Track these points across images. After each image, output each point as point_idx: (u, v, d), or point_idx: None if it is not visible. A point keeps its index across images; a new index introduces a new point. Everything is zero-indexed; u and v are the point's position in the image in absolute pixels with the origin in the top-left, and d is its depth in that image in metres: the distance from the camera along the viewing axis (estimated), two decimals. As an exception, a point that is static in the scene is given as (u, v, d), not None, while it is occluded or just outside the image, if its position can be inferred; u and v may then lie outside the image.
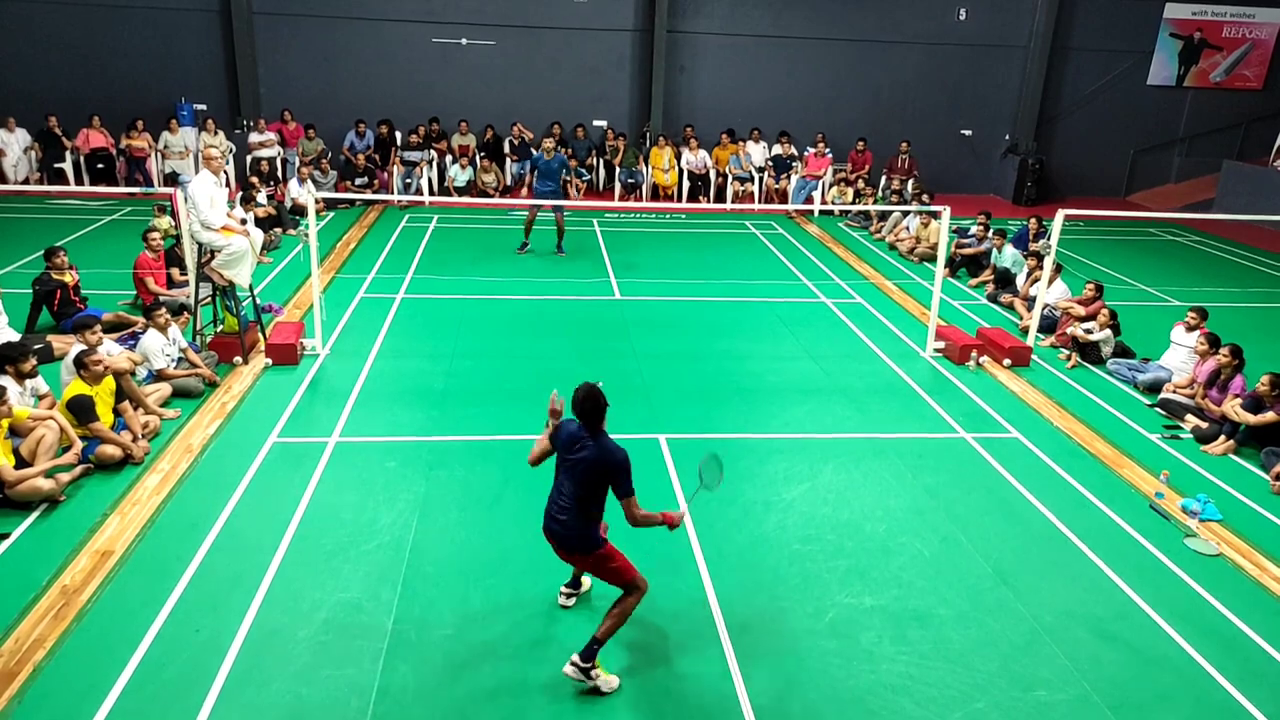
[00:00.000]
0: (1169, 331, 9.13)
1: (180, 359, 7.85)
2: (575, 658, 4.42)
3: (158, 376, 7.59)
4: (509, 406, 7.80)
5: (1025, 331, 9.97)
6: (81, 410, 6.31)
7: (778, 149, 17.79)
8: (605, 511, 4.57)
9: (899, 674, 4.71)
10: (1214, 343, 8.17)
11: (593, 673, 4.42)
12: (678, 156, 17.30)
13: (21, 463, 5.94)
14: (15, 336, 8.07)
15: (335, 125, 16.77)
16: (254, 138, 16.29)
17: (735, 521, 6.10)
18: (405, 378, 8.32)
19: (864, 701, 4.51)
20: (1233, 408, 7.54)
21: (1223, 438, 7.51)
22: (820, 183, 17.24)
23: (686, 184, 17.25)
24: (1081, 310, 9.82)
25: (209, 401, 7.60)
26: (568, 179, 14.97)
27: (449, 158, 17.00)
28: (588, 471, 4.38)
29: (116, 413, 6.67)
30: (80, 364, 6.45)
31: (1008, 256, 12.28)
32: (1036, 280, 10.44)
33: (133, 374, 7.17)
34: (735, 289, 11.78)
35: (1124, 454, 7.36)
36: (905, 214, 14.60)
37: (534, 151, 17.23)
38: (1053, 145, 19.71)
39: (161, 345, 7.65)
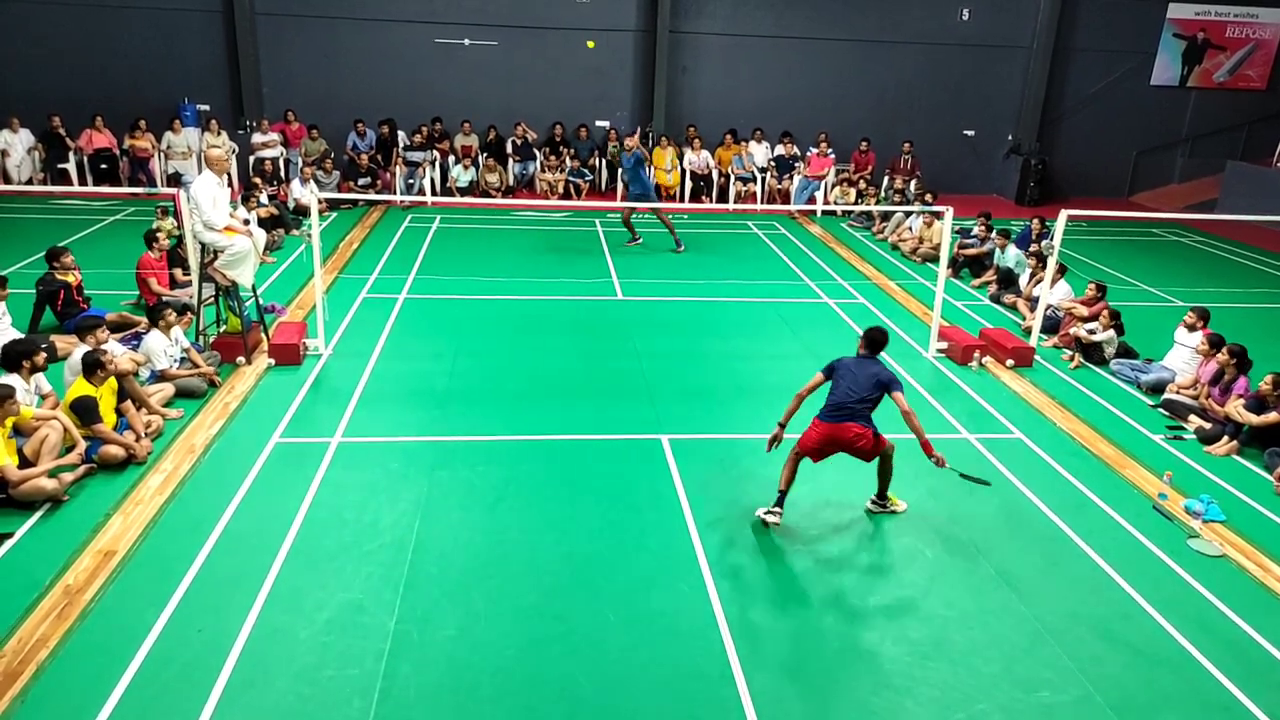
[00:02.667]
0: (1172, 332, 9.10)
1: (183, 359, 7.86)
2: (873, 498, 6.31)
3: (160, 376, 7.60)
4: (511, 406, 7.80)
5: (1028, 332, 9.96)
6: (85, 411, 6.31)
7: (780, 149, 17.78)
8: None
9: (901, 674, 4.70)
10: (1216, 343, 8.14)
11: (889, 506, 6.28)
12: (680, 157, 17.31)
13: (25, 462, 5.95)
14: (18, 337, 8.08)
15: (338, 125, 16.79)
16: (257, 138, 16.31)
17: (737, 522, 6.10)
18: (408, 378, 8.33)
19: (866, 702, 4.51)
20: (1236, 408, 7.52)
21: (1226, 438, 7.49)
22: (823, 183, 17.23)
23: (689, 184, 17.27)
24: (1084, 311, 9.80)
25: (212, 402, 7.61)
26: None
27: (451, 158, 17.02)
28: (875, 382, 5.92)
29: (119, 412, 6.68)
30: (95, 365, 6.45)
31: (1010, 257, 12.28)
32: (1039, 281, 10.43)
33: (135, 374, 7.18)
34: (738, 289, 11.78)
35: (1127, 455, 7.35)
36: (908, 214, 14.59)
37: (536, 152, 17.30)
38: (1055, 145, 19.69)
39: (164, 346, 7.66)
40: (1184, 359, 8.74)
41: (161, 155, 16.10)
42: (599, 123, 18.19)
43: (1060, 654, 4.90)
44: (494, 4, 17.36)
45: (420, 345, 9.20)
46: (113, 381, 6.65)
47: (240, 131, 16.87)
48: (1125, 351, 9.52)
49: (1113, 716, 4.48)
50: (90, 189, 15.59)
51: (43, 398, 6.80)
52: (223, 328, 8.76)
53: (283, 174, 16.02)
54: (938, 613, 5.21)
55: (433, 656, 4.68)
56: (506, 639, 4.84)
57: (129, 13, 16.35)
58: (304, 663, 4.58)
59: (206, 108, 16.94)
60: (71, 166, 15.59)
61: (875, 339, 6.12)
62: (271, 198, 13.68)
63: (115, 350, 7.30)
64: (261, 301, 9.33)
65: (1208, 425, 7.76)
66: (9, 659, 4.49)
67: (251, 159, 16.03)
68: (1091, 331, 9.46)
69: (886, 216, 15.33)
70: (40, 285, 8.95)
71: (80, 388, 6.41)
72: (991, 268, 12.51)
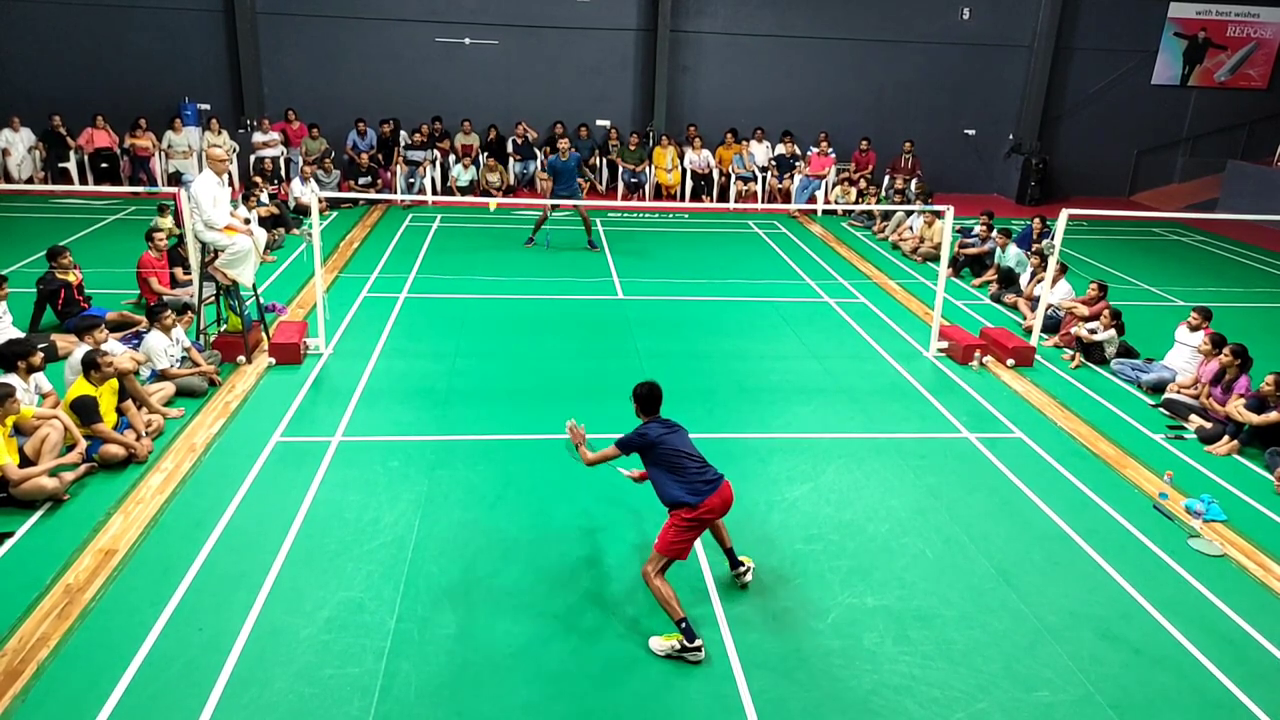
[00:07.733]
0: (1173, 331, 9.10)
1: (184, 358, 7.86)
2: (735, 569, 5.41)
3: (161, 375, 7.60)
4: (512, 406, 7.80)
5: (1029, 331, 9.96)
6: (85, 411, 6.32)
7: (781, 148, 17.78)
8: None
9: (902, 674, 4.70)
10: (1218, 343, 8.14)
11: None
12: (680, 156, 17.31)
13: (26, 461, 5.95)
14: (19, 336, 8.09)
15: (339, 125, 16.80)
16: (258, 137, 16.31)
17: (738, 521, 6.08)
18: (408, 377, 8.33)
19: (866, 702, 4.51)
20: (1236, 408, 7.52)
21: (1226, 438, 7.49)
22: (824, 182, 17.23)
23: (690, 183, 17.26)
24: (1085, 310, 9.80)
25: (212, 401, 7.61)
26: (581, 180, 14.91)
27: (452, 157, 17.02)
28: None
29: (120, 411, 6.68)
30: (92, 365, 6.45)
31: (1011, 256, 12.27)
32: (1040, 280, 10.42)
33: (136, 373, 7.18)
34: (738, 288, 11.77)
35: (1128, 454, 7.35)
36: (909, 213, 14.59)
37: (537, 151, 17.33)
38: (1056, 145, 19.68)
39: (165, 345, 7.66)
40: (1185, 358, 8.74)
41: (162, 154, 16.11)
42: (599, 122, 18.18)
43: (1060, 653, 4.91)
44: (494, 3, 17.37)
45: (421, 344, 9.20)
46: (113, 381, 6.66)
47: (241, 131, 16.87)
48: (1126, 351, 9.51)
49: (1113, 716, 4.48)
50: (91, 188, 15.61)
51: (43, 397, 6.81)
52: (223, 327, 8.77)
53: (283, 173, 16.02)
54: (938, 613, 5.21)
55: (433, 655, 4.68)
56: (507, 637, 4.85)
57: (130, 12, 16.36)
58: (304, 661, 4.58)
59: (207, 107, 16.94)
60: (72, 165, 15.60)
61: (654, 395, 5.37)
62: (272, 197, 13.67)
63: (115, 349, 7.30)
64: (262, 301, 9.33)
65: (1208, 425, 7.76)
66: (10, 658, 4.49)
67: (252, 158, 16.03)
68: (1092, 331, 9.46)
69: (887, 216, 15.33)
70: (41, 284, 8.95)
71: (80, 387, 6.42)
72: (992, 267, 12.51)
